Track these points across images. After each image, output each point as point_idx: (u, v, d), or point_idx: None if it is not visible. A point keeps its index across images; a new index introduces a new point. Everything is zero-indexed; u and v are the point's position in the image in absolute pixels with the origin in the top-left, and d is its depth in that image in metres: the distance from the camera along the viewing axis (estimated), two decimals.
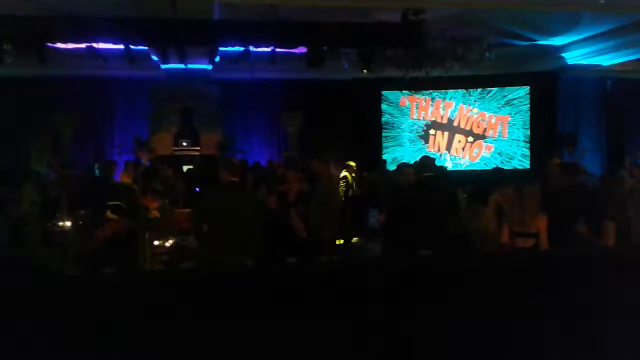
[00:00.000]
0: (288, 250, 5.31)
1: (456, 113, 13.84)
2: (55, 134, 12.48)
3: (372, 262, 4.39)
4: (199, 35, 8.33)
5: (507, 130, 13.72)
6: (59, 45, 8.99)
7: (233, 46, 9.20)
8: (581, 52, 11.71)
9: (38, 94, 11.93)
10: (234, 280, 3.29)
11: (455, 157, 13.87)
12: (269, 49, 9.52)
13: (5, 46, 8.51)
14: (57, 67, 10.35)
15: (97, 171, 8.92)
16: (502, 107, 13.71)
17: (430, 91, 13.70)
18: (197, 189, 8.17)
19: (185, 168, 11.19)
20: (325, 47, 8.93)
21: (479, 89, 13.70)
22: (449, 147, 13.89)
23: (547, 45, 11.63)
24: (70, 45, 9.09)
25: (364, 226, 9.80)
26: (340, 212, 7.24)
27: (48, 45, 8.84)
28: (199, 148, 12.38)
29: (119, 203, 4.52)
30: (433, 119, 13.91)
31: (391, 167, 11.67)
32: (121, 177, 6.46)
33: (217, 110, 12.90)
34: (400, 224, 5.54)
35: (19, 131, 12.30)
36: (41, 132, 12.58)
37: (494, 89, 13.69)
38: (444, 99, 13.85)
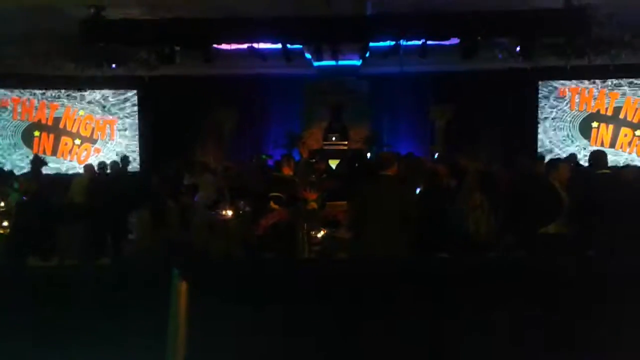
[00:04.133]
0: (442, 246, 5.23)
1: (623, 104, 12.68)
2: (216, 129, 13.40)
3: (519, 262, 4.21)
4: (353, 31, 8.45)
5: None
6: (223, 46, 9.62)
7: (385, 41, 9.22)
8: None
9: (202, 91, 12.90)
10: (385, 271, 3.34)
11: (620, 152, 12.71)
12: (419, 42, 9.39)
13: (175, 47, 9.29)
14: (220, 67, 10.94)
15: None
16: None
17: (593, 80, 12.68)
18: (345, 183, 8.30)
19: (333, 162, 11.41)
20: (480, 38, 8.61)
21: None
22: (613, 142, 12.73)
23: None
24: (234, 46, 9.69)
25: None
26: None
27: (213, 46, 9.49)
28: (347, 142, 12.56)
29: (279, 194, 4.74)
30: (596, 110, 12.86)
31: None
32: (282, 169, 6.76)
33: (365, 105, 13.07)
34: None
35: (184, 127, 13.40)
36: (204, 128, 13.59)
37: None
38: (609, 89, 12.75)
